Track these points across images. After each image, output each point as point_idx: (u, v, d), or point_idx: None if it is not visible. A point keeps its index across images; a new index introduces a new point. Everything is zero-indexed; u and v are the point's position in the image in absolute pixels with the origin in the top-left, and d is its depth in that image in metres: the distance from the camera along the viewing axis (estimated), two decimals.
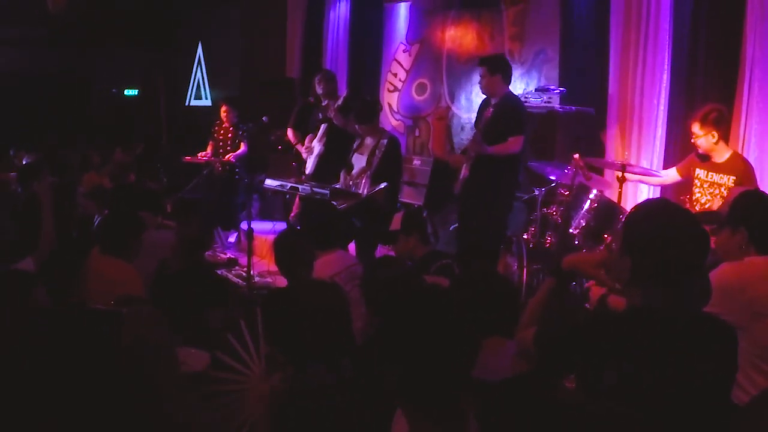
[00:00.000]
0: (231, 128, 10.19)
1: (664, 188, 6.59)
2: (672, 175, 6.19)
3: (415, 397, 2.00)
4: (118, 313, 2.49)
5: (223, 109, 10.33)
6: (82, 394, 1.82)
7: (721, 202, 5.55)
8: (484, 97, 7.22)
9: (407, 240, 5.49)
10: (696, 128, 5.77)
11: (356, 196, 7.17)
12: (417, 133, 10.20)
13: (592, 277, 2.91)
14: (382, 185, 7.09)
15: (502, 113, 6.85)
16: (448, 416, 1.99)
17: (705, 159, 5.87)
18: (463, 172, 6.98)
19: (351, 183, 7.49)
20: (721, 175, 5.73)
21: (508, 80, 7.03)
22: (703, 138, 5.74)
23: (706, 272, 2.63)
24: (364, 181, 7.38)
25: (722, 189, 5.69)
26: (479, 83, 7.13)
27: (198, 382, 2.66)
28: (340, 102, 8.60)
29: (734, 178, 5.64)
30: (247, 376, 2.69)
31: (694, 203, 5.86)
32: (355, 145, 7.72)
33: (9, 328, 2.24)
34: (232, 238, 9.97)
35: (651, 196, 6.68)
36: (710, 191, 5.77)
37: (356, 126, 7.71)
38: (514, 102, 7.02)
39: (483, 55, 7.79)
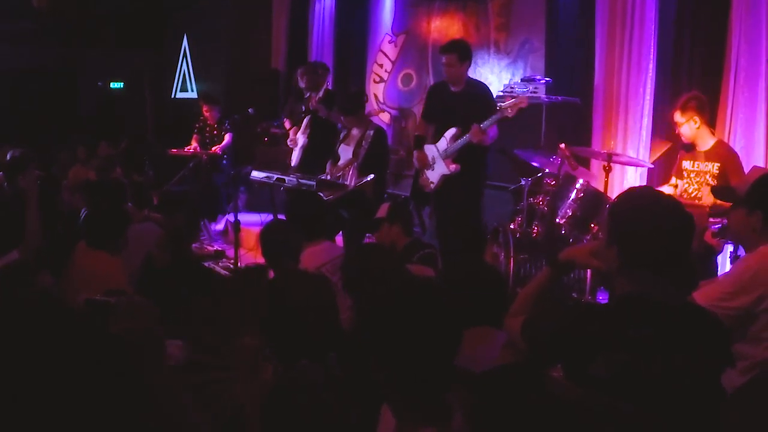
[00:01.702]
0: (215, 124, 10.24)
1: (650, 179, 6.59)
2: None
3: (401, 389, 1.99)
4: (107, 303, 2.47)
5: (205, 109, 10.35)
6: (75, 389, 1.80)
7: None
8: (433, 84, 7.02)
9: (390, 229, 5.48)
10: (677, 116, 5.80)
11: (343, 188, 7.15)
12: (403, 124, 10.20)
13: (588, 267, 2.89)
14: (370, 177, 7.06)
15: (475, 100, 6.72)
16: (434, 408, 1.99)
17: (690, 149, 5.88)
18: (453, 167, 6.83)
19: (338, 174, 7.47)
20: (706, 163, 5.74)
21: (470, 65, 6.92)
22: (686, 125, 5.76)
23: (692, 260, 2.62)
24: (351, 172, 7.35)
25: (707, 177, 5.70)
26: (447, 71, 6.80)
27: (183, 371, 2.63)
28: (321, 93, 8.58)
29: (718, 165, 5.65)
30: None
31: (682, 193, 5.88)
32: (341, 137, 7.70)
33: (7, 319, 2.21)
34: (219, 225, 9.94)
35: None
36: (697, 180, 5.78)
37: (341, 117, 7.67)
38: (482, 87, 6.95)
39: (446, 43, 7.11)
